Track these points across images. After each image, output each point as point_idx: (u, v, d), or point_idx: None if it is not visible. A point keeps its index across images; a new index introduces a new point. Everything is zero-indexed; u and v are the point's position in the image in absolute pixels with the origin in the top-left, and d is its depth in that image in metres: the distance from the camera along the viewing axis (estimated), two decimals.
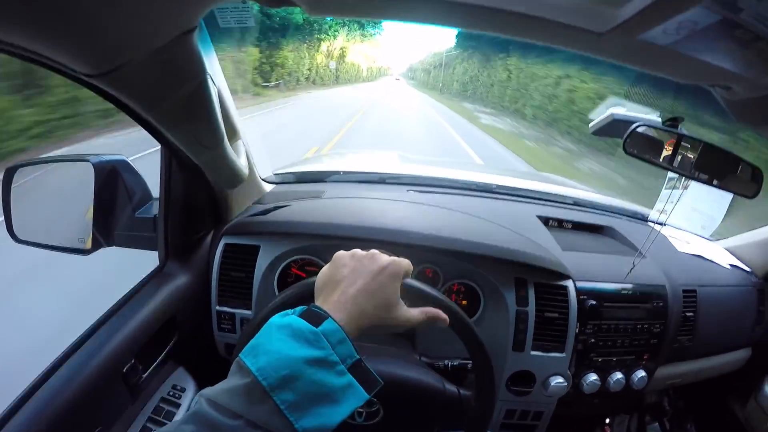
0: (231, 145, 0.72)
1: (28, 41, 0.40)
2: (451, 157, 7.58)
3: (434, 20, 0.38)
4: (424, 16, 0.38)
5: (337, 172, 1.28)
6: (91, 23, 0.39)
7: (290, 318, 0.39)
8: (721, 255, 1.15)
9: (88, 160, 0.79)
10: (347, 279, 0.45)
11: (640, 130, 0.73)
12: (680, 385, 1.08)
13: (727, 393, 1.21)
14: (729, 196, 1.17)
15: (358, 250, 0.49)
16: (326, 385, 0.35)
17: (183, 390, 0.82)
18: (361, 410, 0.64)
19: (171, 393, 0.80)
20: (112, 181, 0.81)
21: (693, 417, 1.25)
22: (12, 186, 0.81)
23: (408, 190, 1.17)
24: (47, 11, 0.36)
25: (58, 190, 0.95)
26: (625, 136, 0.71)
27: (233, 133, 0.79)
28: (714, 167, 0.76)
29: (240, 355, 0.37)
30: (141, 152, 3.26)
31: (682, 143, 0.75)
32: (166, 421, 0.75)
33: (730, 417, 1.19)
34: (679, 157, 0.76)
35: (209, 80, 0.57)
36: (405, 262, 0.49)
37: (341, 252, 0.49)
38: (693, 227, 1.23)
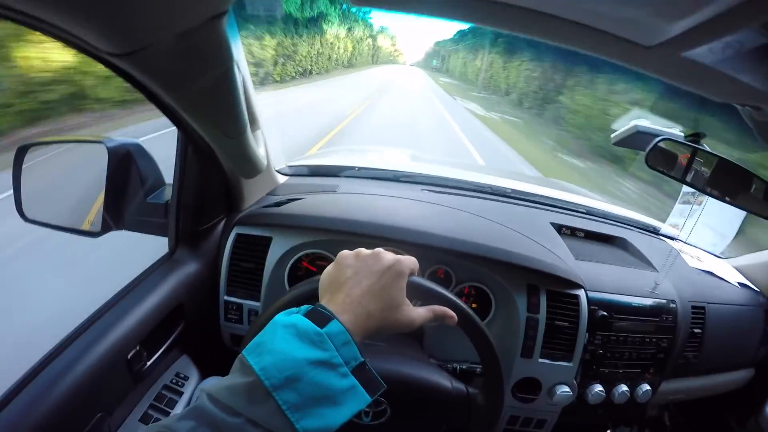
0: (251, 134, 0.71)
1: (50, 15, 0.39)
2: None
3: (479, 20, 0.38)
4: (467, 15, 0.37)
5: (352, 168, 1.27)
6: (119, 0, 0.39)
7: (295, 317, 0.38)
8: (730, 273, 1.15)
9: (102, 143, 0.78)
10: (352, 280, 0.44)
11: (662, 144, 0.72)
12: (681, 401, 1.07)
13: (726, 412, 1.20)
14: (742, 215, 1.17)
15: (362, 249, 0.48)
16: (329, 387, 0.35)
17: (186, 378, 0.81)
18: (368, 410, 0.64)
19: (174, 381, 0.79)
20: (125, 165, 0.80)
21: None
22: (23, 165, 0.80)
23: (422, 190, 1.16)
24: None
25: (70, 171, 0.94)
26: (647, 149, 0.70)
27: (254, 122, 0.78)
28: (731, 184, 0.76)
29: (243, 352, 0.37)
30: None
31: (705, 159, 0.75)
32: (167, 409, 0.75)
33: None
34: (702, 173, 0.76)
35: (235, 68, 0.56)
36: (410, 260, 0.48)
37: (345, 251, 0.48)
38: (704, 244, 1.22)
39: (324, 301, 0.44)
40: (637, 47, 0.37)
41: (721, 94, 0.48)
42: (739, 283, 1.12)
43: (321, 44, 25.29)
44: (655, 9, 0.32)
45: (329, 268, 0.48)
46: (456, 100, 19.93)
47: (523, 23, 0.37)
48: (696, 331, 0.97)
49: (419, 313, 0.46)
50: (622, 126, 0.79)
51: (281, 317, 0.39)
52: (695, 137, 0.76)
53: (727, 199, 0.76)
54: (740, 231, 1.20)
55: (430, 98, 18.79)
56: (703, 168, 0.76)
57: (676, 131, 0.76)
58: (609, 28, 0.35)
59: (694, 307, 0.97)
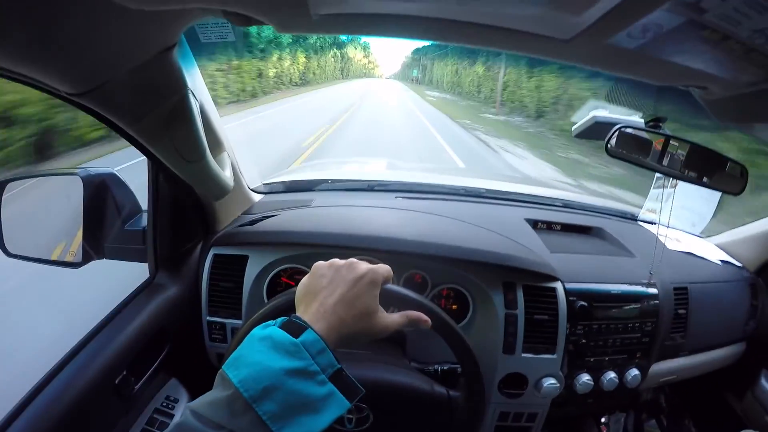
0: (215, 157, 0.73)
1: (10, 63, 0.40)
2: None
3: (403, 34, 0.39)
4: (392, 30, 0.38)
5: (326, 181, 1.28)
6: (71, 45, 0.40)
7: (271, 329, 0.39)
8: (712, 251, 1.15)
9: (76, 174, 0.80)
10: (326, 289, 0.45)
11: (622, 131, 0.73)
12: (676, 382, 1.08)
13: (723, 388, 1.21)
14: (717, 193, 1.18)
15: (336, 260, 0.49)
16: (307, 395, 0.36)
17: (176, 401, 0.82)
18: (351, 416, 0.65)
19: (164, 404, 0.80)
20: (102, 194, 0.81)
21: (690, 413, 1.26)
22: (2, 200, 0.81)
23: (396, 197, 1.17)
24: (27, 35, 0.36)
25: (48, 203, 0.96)
26: (607, 138, 0.72)
27: (217, 146, 0.79)
28: (699, 166, 0.77)
29: (223, 367, 0.38)
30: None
31: (669, 143, 0.76)
32: None
33: (727, 411, 1.19)
34: (667, 157, 0.77)
35: (190, 95, 0.57)
36: (384, 269, 0.49)
37: (320, 262, 0.49)
38: (683, 225, 1.23)
39: (299, 311, 0.45)
40: (556, 42, 0.38)
41: (658, 78, 0.49)
42: (721, 260, 1.13)
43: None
44: (559, 3, 0.32)
45: (305, 279, 0.49)
46: (493, 148, 9.11)
47: (447, 33, 0.38)
48: (680, 311, 0.98)
49: (393, 319, 0.48)
50: (582, 118, 0.81)
51: (257, 330, 0.40)
52: (656, 122, 0.77)
53: (701, 180, 0.76)
54: (719, 208, 1.21)
55: (429, 138, 9.61)
56: (671, 153, 0.77)
57: (636, 118, 0.78)
58: (525, 27, 0.36)
59: (676, 289, 0.98)
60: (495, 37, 0.38)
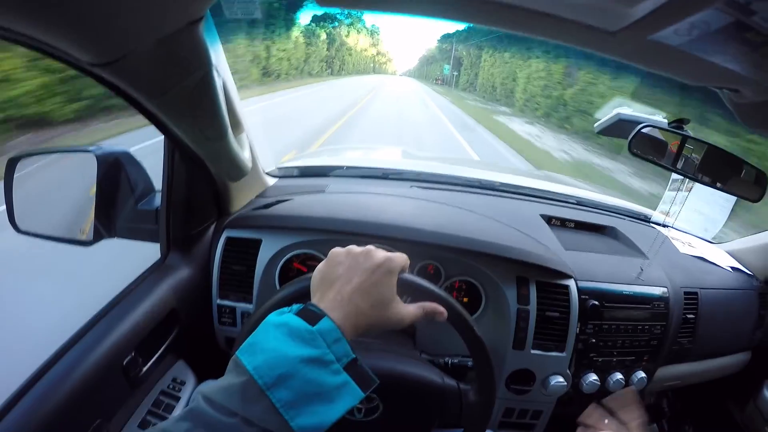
0: (235, 137, 0.72)
1: (31, 29, 0.39)
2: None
3: (445, 15, 0.38)
4: (434, 10, 0.38)
5: (341, 167, 1.28)
6: (96, 12, 0.39)
7: (287, 316, 0.39)
8: (722, 258, 1.15)
9: (91, 152, 0.79)
10: (343, 277, 0.44)
11: (645, 130, 0.73)
12: (679, 387, 1.08)
13: (725, 396, 1.21)
14: (732, 199, 1.17)
15: (353, 247, 0.48)
16: (322, 384, 0.35)
17: (183, 383, 0.82)
18: (360, 406, 0.64)
19: (171, 386, 0.80)
20: (115, 173, 0.81)
21: (691, 419, 1.26)
22: (14, 176, 0.81)
23: (411, 186, 1.16)
24: (50, 1, 0.35)
25: (61, 180, 0.95)
26: (630, 137, 0.71)
27: (237, 126, 0.78)
28: (719, 170, 0.76)
29: (237, 353, 0.37)
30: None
31: (687, 145, 0.76)
32: (165, 414, 0.75)
33: (728, 420, 1.19)
34: (684, 159, 0.76)
35: (214, 72, 0.56)
36: (401, 258, 0.49)
37: (336, 249, 0.49)
38: (695, 230, 1.23)
39: (315, 298, 0.44)
40: (602, 33, 0.37)
41: (693, 77, 0.48)
42: (731, 267, 1.12)
43: None
44: None
45: (321, 265, 0.48)
46: None
47: (490, 16, 0.37)
48: (689, 316, 0.98)
49: (409, 310, 0.47)
50: (605, 114, 0.80)
51: (273, 317, 0.39)
52: (679, 123, 0.77)
53: (718, 185, 0.76)
54: (731, 215, 1.21)
55: None
56: (692, 155, 0.77)
57: (659, 118, 0.77)
58: (573, 16, 0.36)
59: (686, 293, 0.98)
60: (537, 24, 0.37)
